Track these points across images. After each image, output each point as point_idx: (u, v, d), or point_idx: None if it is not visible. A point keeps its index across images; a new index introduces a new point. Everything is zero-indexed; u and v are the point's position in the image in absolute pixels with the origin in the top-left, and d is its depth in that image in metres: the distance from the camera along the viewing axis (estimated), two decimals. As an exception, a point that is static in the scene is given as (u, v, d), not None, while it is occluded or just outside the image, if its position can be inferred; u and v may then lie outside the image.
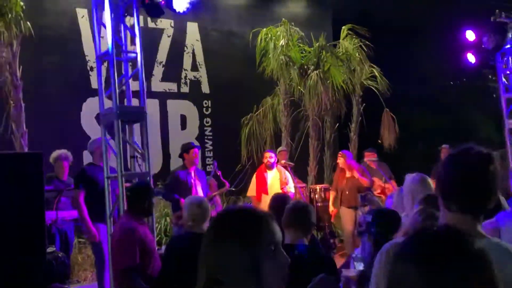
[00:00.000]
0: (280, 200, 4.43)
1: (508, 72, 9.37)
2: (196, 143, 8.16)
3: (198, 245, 1.45)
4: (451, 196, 1.81)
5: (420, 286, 1.07)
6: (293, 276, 2.70)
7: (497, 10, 8.81)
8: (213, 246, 1.41)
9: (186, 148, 6.96)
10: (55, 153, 6.92)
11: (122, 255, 4.12)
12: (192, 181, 6.71)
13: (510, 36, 8.76)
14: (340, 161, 8.44)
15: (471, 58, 9.14)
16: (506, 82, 9.39)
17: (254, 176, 8.37)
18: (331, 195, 8.72)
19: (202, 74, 11.26)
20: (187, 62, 11.12)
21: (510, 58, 9.26)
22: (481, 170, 1.77)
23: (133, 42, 6.28)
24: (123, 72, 5.90)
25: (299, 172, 9.85)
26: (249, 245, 1.39)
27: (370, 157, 9.22)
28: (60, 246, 6.93)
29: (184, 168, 6.91)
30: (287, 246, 3.17)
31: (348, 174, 8.28)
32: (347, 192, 8.27)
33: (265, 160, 8.25)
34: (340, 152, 8.72)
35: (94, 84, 9.33)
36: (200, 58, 11.25)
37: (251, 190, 8.35)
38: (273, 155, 8.34)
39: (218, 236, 1.42)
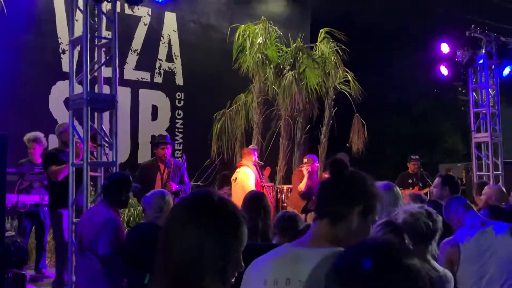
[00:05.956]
0: (255, 198, 4.37)
1: (478, 87, 9.56)
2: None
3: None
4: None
5: None
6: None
7: (472, 26, 8.98)
8: (191, 230, 1.44)
9: (155, 143, 6.86)
10: (29, 135, 6.78)
11: (108, 241, 4.02)
12: (160, 175, 6.59)
13: (483, 51, 8.94)
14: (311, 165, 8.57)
15: (443, 70, 9.30)
16: (476, 97, 9.58)
17: (252, 173, 7.88)
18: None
19: (177, 66, 11.15)
20: (162, 52, 10.98)
21: (481, 73, 9.44)
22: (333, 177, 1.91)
23: (108, 28, 6.16)
24: (96, 57, 5.79)
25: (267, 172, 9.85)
26: (228, 238, 1.46)
27: None
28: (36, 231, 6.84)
29: (154, 162, 6.81)
30: (272, 246, 3.31)
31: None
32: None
33: (257, 159, 8.13)
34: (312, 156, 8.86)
35: (65, 67, 9.13)
36: (176, 49, 11.13)
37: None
38: None
39: (201, 221, 1.45)
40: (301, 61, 10.62)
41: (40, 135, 6.91)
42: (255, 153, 8.25)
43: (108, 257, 3.99)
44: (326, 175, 1.97)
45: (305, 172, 8.44)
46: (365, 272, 1.09)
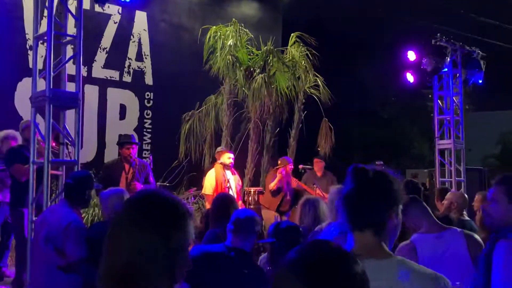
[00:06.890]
0: (225, 200, 4.44)
1: (443, 94, 9.77)
2: (136, 137, 7.93)
3: None
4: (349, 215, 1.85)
5: None
6: (223, 275, 2.87)
7: (438, 34, 9.17)
8: (133, 230, 1.43)
9: (121, 142, 6.81)
10: (2, 133, 6.69)
11: (78, 244, 3.95)
12: (124, 174, 6.53)
13: (448, 60, 9.13)
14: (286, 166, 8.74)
15: (409, 77, 9.46)
16: (441, 104, 9.78)
17: (213, 174, 7.92)
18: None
19: (147, 65, 11.07)
20: (132, 51, 10.89)
21: (446, 81, 9.65)
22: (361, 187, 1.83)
23: (75, 25, 6.11)
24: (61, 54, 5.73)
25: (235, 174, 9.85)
26: (172, 236, 1.44)
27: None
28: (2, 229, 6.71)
29: (119, 161, 6.75)
30: (226, 246, 3.42)
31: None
32: (288, 197, 8.67)
33: (227, 161, 7.98)
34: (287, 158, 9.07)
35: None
36: (146, 48, 11.05)
37: (208, 188, 7.83)
38: (232, 155, 8.16)
39: (142, 221, 1.44)
40: (271, 64, 10.66)
41: (15, 132, 6.82)
42: (225, 154, 8.21)
43: (83, 259, 3.94)
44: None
45: (278, 174, 8.66)
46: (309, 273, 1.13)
